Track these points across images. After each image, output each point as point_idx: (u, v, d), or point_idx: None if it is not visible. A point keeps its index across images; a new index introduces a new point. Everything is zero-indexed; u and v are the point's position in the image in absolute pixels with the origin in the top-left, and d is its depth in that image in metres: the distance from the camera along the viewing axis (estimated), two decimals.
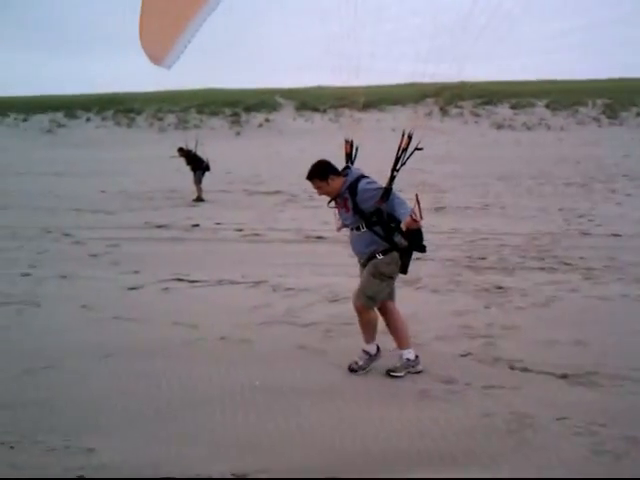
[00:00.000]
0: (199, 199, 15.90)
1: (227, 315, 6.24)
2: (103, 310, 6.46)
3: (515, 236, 10.33)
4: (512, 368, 4.87)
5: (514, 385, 4.56)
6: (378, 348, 4.92)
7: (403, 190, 15.88)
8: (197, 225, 12.01)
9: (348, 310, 6.26)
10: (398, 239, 4.53)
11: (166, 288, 7.34)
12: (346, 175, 4.68)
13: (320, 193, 4.76)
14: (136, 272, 8.16)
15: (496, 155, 27.82)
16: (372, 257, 4.62)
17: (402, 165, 4.54)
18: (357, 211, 4.56)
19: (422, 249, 4.64)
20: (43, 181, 20.81)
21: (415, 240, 4.55)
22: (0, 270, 8.33)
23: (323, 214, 12.95)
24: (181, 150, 16.32)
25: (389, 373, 4.75)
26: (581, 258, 8.63)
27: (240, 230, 11.39)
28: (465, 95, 42.68)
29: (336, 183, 4.62)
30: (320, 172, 4.66)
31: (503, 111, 40.83)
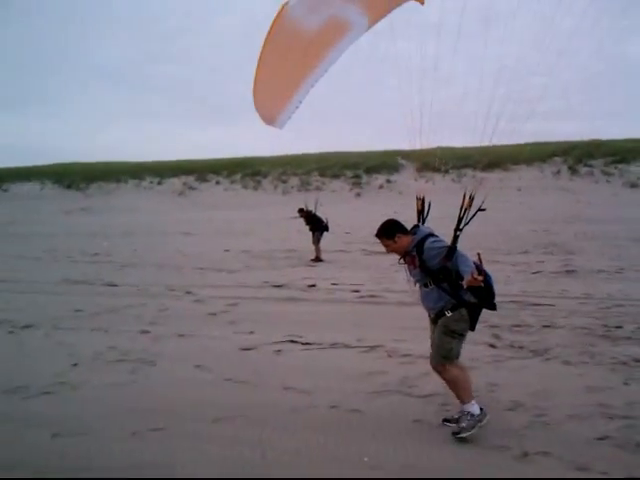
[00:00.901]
0: (317, 259, 15.90)
1: (339, 381, 5.95)
2: (216, 371, 6.37)
3: None
4: None
5: None
6: (482, 410, 4.72)
7: (529, 251, 15.26)
8: (314, 285, 11.92)
9: None
10: (467, 296, 4.62)
11: (279, 350, 7.17)
12: (414, 234, 4.82)
13: (388, 251, 4.93)
14: (251, 332, 8.09)
15: (630, 216, 26.11)
16: (441, 314, 4.71)
17: (465, 225, 4.65)
18: (424, 268, 4.69)
19: (492, 307, 4.76)
20: (172, 240, 21.75)
21: (484, 297, 4.64)
22: (122, 326, 8.53)
23: None
24: (301, 211, 16.50)
25: (455, 435, 4.61)
26: None
27: (356, 291, 11.15)
28: (596, 153, 40.87)
29: (403, 241, 4.80)
30: (387, 231, 4.84)
31: (637, 170, 38.56)
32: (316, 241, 16.10)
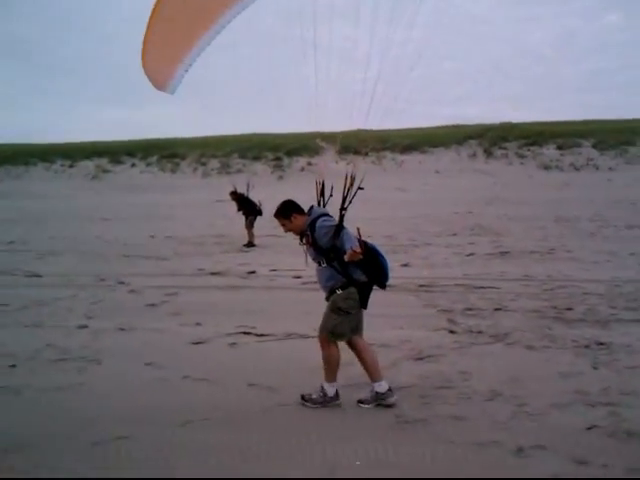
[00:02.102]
0: (250, 244, 15.50)
1: (305, 375, 5.62)
2: (170, 368, 5.94)
3: (595, 283, 9.59)
4: None
5: None
6: (337, 394, 4.99)
7: (458, 233, 15.42)
8: (253, 272, 11.55)
9: (439, 371, 5.73)
10: (357, 275, 4.82)
11: (234, 343, 6.80)
12: (310, 214, 4.98)
13: (285, 230, 5.11)
14: (198, 324, 7.67)
15: (546, 197, 27.02)
16: (332, 292, 4.90)
17: (349, 204, 4.82)
18: (316, 247, 4.87)
19: (382, 285, 5.01)
20: (90, 226, 20.74)
21: (375, 275, 4.88)
22: (55, 321, 7.92)
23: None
24: (233, 193, 15.99)
25: (359, 403, 4.94)
26: None
27: (298, 277, 10.84)
28: (509, 136, 42.11)
29: (298, 221, 4.98)
30: (283, 211, 5.03)
31: (549, 152, 40.00)
32: (249, 225, 15.67)
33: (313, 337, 6.77)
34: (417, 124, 49.20)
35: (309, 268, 11.42)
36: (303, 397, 5.00)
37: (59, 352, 6.52)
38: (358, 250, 4.47)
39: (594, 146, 39.33)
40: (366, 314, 6.94)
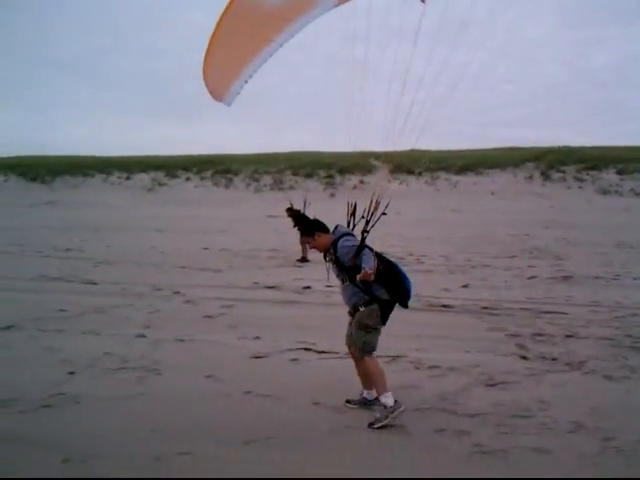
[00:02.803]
0: (304, 259, 15.33)
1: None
2: (231, 382, 5.76)
3: None
4: None
5: None
6: (396, 402, 4.90)
7: (517, 255, 14.86)
8: (308, 287, 11.35)
9: (514, 399, 5.40)
10: (380, 292, 4.93)
11: (295, 359, 6.58)
12: (334, 233, 5.12)
13: (310, 247, 5.41)
14: (257, 338, 7.49)
15: (606, 221, 26.18)
16: (356, 309, 5.05)
17: (372, 226, 4.95)
18: (339, 265, 5.01)
19: (404, 304, 5.06)
20: (145, 237, 20.94)
21: (397, 294, 4.99)
22: (113, 329, 7.84)
23: (439, 280, 12.10)
24: (290, 210, 15.87)
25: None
26: None
27: None
28: (568, 160, 41.15)
29: (322, 239, 5.15)
30: (308, 229, 5.26)
31: (608, 177, 38.91)
32: (304, 241, 15.48)
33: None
34: (472, 146, 48.84)
35: None
36: (370, 425, 4.82)
37: (118, 361, 6.40)
38: (370, 272, 4.58)
39: None
40: (430, 336, 6.76)
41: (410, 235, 20.56)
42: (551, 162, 41.11)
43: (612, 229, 23.19)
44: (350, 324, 5.27)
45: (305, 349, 6.95)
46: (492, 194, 38.01)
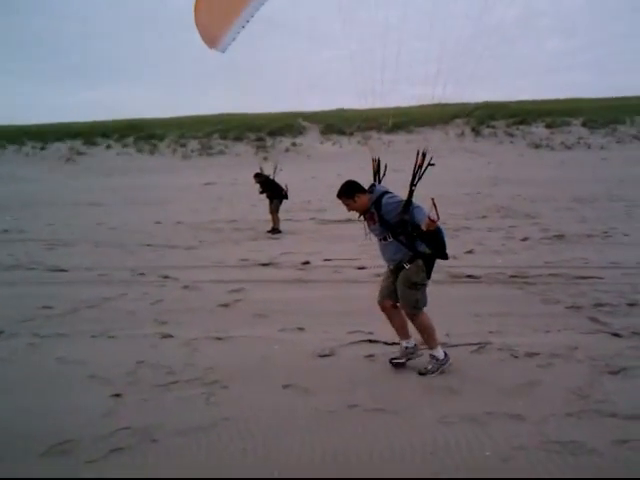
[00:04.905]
0: (276, 230, 14.27)
1: (505, 402, 4.51)
2: (322, 393, 4.72)
3: None
4: None
5: None
6: (446, 354, 5.17)
7: (487, 216, 14.26)
8: (307, 262, 10.33)
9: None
10: (422, 247, 4.97)
11: (370, 355, 5.57)
12: (372, 192, 5.08)
13: (349, 209, 5.19)
14: (300, 329, 6.46)
15: (548, 175, 26.33)
16: (400, 266, 5.05)
17: (419, 179, 4.96)
18: (383, 223, 5.00)
19: (444, 256, 5.10)
20: (84, 213, 19.23)
21: (437, 247, 5.00)
22: (126, 329, 6.59)
23: None
24: (258, 175, 14.67)
25: (420, 374, 5.10)
26: None
27: (362, 268, 9.72)
28: (497, 115, 41.40)
29: (362, 200, 5.07)
30: (347, 191, 5.10)
31: (538, 130, 39.45)
32: (274, 210, 14.41)
33: (456, 346, 5.72)
34: (393, 103, 48.35)
35: (364, 257, 10.46)
36: (420, 372, 5.10)
37: (162, 373, 5.22)
38: (435, 219, 4.49)
39: (583, 125, 38.92)
40: (490, 314, 6.76)
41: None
42: (481, 118, 41.26)
43: (560, 183, 23.27)
44: (384, 280, 5.30)
45: (370, 341, 5.97)
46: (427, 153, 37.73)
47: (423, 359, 5.31)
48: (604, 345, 5.70)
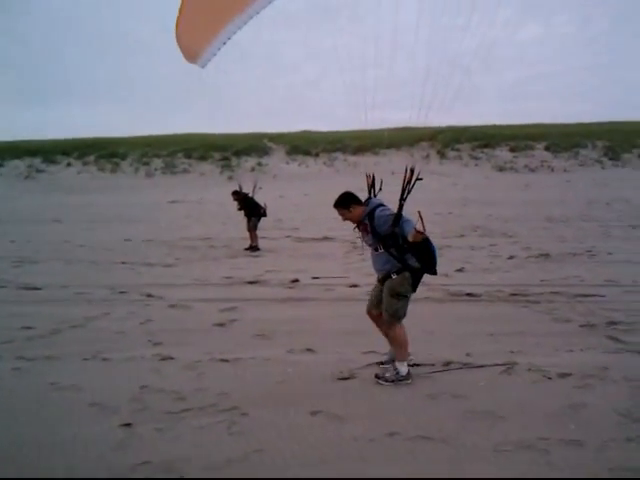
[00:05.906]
0: (254, 248, 13.84)
1: (552, 427, 4.17)
2: (355, 419, 4.31)
3: None
4: None
5: None
6: (409, 373, 5.18)
7: (466, 235, 14.10)
8: (297, 281, 9.91)
9: None
10: (412, 261, 5.07)
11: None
12: (367, 205, 5.26)
13: (344, 219, 5.39)
14: (309, 350, 6.04)
15: (517, 197, 26.55)
16: (387, 276, 5.17)
17: (408, 194, 5.05)
18: (375, 234, 5.14)
19: (433, 272, 5.19)
20: (49, 230, 18.49)
21: (427, 262, 5.08)
22: (120, 351, 6.06)
23: None
24: (237, 193, 14.25)
25: (376, 377, 5.20)
26: None
27: (355, 286, 9.37)
28: (461, 138, 41.78)
29: (357, 211, 5.26)
30: (343, 201, 5.30)
31: (502, 154, 39.91)
32: (252, 228, 14.02)
33: (481, 367, 5.39)
34: (353, 127, 48.48)
35: (353, 275, 10.12)
36: (377, 375, 5.19)
37: (170, 399, 4.72)
38: (421, 230, 4.56)
39: (546, 149, 39.54)
40: (504, 334, 6.47)
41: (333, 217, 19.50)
42: (446, 141, 41.56)
43: (529, 204, 23.43)
44: (374, 290, 5.43)
45: (380, 363, 5.57)
46: (392, 174, 37.63)
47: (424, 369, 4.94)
48: (634, 364, 5.44)
